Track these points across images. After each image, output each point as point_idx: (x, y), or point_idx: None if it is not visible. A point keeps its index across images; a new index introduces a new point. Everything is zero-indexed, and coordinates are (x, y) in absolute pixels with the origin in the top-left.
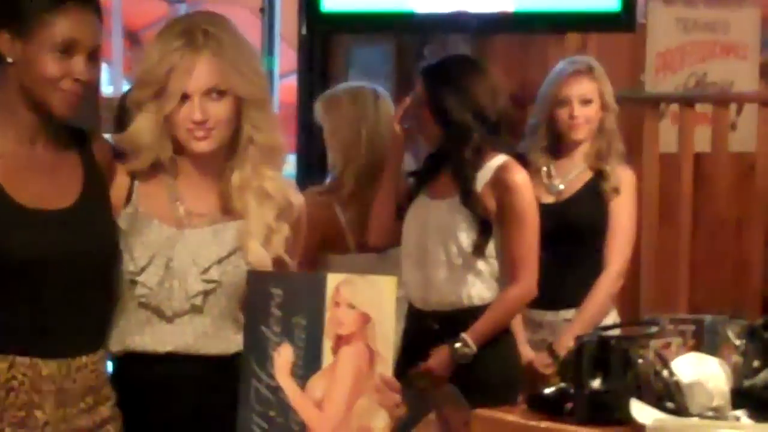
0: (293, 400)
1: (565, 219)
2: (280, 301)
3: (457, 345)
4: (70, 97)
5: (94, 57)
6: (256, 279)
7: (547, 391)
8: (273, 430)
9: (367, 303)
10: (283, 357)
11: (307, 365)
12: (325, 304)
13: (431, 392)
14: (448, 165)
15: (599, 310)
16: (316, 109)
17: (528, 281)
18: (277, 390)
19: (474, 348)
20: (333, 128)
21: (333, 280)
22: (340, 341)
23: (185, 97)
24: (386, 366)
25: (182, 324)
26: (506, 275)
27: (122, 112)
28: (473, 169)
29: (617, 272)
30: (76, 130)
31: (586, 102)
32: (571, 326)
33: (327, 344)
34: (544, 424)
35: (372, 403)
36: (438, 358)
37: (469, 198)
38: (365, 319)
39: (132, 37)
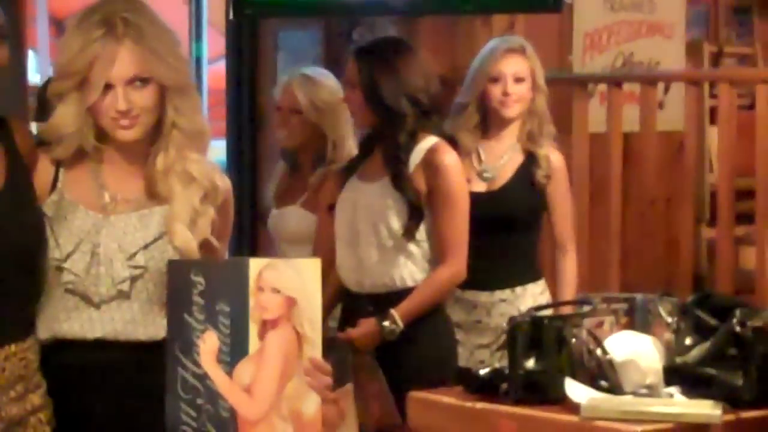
0: (221, 386)
1: (499, 208)
2: (203, 288)
3: (385, 322)
4: None
5: (1, 39)
6: (176, 268)
7: (482, 371)
8: (202, 417)
9: (291, 286)
10: (208, 344)
11: (234, 351)
12: (248, 289)
13: (351, 361)
14: (379, 148)
15: (574, 290)
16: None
17: (457, 263)
18: (203, 378)
19: (401, 325)
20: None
21: (255, 265)
22: (266, 326)
23: (108, 87)
24: (315, 348)
25: (110, 310)
26: (437, 257)
27: (43, 102)
28: (406, 152)
29: (573, 256)
30: None
31: (519, 80)
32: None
33: (253, 329)
34: (479, 405)
35: (302, 386)
36: (363, 330)
37: (400, 181)
38: (291, 303)
39: (58, 24)
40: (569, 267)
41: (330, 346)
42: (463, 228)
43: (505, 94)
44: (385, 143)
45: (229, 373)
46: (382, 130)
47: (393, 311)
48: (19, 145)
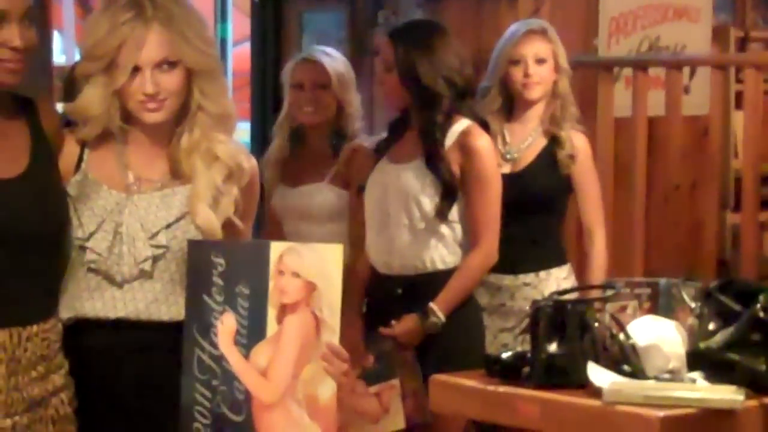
0: (237, 368)
1: (522, 190)
2: (222, 270)
3: (427, 316)
4: (9, 66)
5: (27, 21)
6: (196, 248)
7: (505, 355)
8: (217, 398)
9: (311, 271)
10: (226, 326)
11: (251, 334)
12: (269, 272)
13: (394, 357)
14: (412, 129)
15: (603, 274)
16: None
17: (489, 246)
18: (220, 359)
19: (442, 318)
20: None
21: (276, 248)
22: (284, 310)
23: (136, 69)
24: (333, 334)
25: (132, 290)
26: (469, 240)
27: (71, 82)
28: (442, 132)
29: (603, 243)
30: (23, 99)
31: (540, 61)
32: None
33: (271, 313)
34: (501, 388)
35: (319, 371)
36: (405, 327)
37: (435, 160)
38: (310, 288)
39: (84, 5)
40: (598, 251)
41: (373, 340)
42: (495, 211)
43: (527, 75)
44: (422, 123)
45: (246, 356)
46: (418, 111)
47: (432, 305)
48: (44, 125)
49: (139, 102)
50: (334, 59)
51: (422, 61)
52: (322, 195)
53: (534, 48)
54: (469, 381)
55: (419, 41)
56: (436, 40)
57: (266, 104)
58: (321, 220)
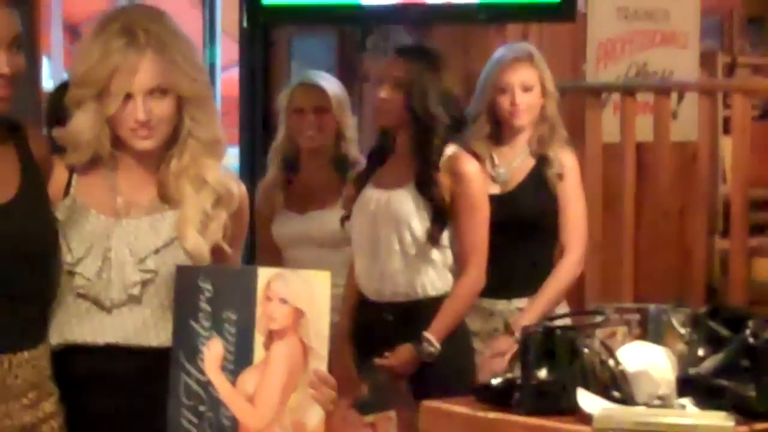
0: (223, 394)
1: (512, 210)
2: (210, 295)
3: (422, 345)
4: None
5: (16, 48)
6: (184, 273)
7: (494, 381)
8: (203, 424)
9: (299, 298)
10: (213, 352)
11: (238, 360)
12: (256, 298)
13: (389, 388)
14: (396, 154)
15: (557, 295)
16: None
17: (477, 271)
18: (207, 385)
19: (438, 346)
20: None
21: (264, 274)
22: (272, 336)
23: (128, 97)
24: (321, 361)
25: (121, 315)
26: (458, 265)
27: (54, 106)
28: (438, 156)
29: (577, 258)
30: (12, 124)
31: (527, 89)
32: (528, 308)
33: (258, 339)
34: (491, 414)
35: (306, 398)
36: (400, 357)
37: (429, 185)
38: (298, 314)
39: (72, 30)
40: (563, 270)
41: (366, 370)
42: (482, 235)
43: (513, 104)
44: (418, 146)
45: (233, 382)
46: (415, 133)
47: (427, 334)
48: (33, 151)
49: (131, 129)
50: (332, 83)
51: (432, 84)
52: (333, 220)
53: (520, 76)
54: (459, 407)
55: (431, 64)
56: (442, 65)
57: (255, 129)
58: (332, 246)
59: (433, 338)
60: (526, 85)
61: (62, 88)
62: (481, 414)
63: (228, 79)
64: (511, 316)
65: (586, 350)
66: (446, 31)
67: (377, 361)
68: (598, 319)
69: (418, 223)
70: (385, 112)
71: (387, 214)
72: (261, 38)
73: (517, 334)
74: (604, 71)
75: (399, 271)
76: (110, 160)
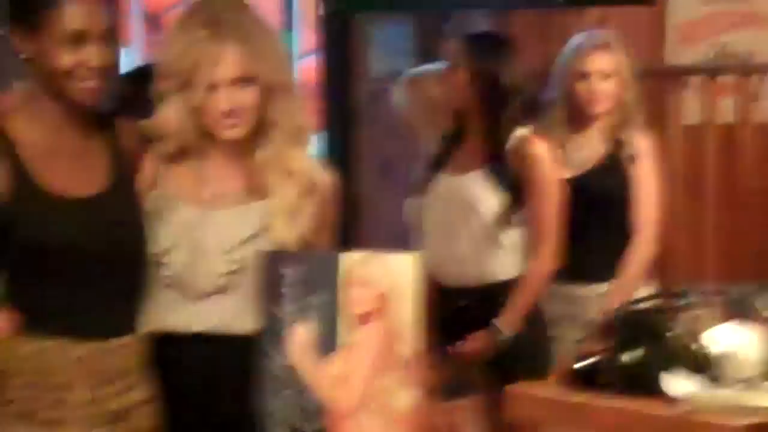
0: (310, 379)
1: (586, 192)
2: (293, 280)
3: (494, 333)
4: (88, 85)
5: (107, 40)
6: (268, 259)
7: (580, 364)
8: (291, 408)
9: (383, 281)
10: (298, 336)
11: (323, 345)
12: (339, 283)
13: (464, 375)
14: (468, 140)
15: (634, 278)
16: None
17: (547, 254)
18: (293, 369)
19: (510, 333)
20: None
21: (347, 259)
22: (357, 320)
23: (212, 87)
24: (407, 344)
25: (209, 304)
26: (530, 249)
27: (122, 96)
28: (508, 135)
29: (647, 239)
30: (103, 116)
31: (605, 77)
32: (609, 299)
33: (343, 323)
34: (577, 397)
35: (394, 381)
36: (474, 345)
37: (499, 165)
38: (382, 298)
39: (152, 20)
40: (634, 252)
41: (441, 357)
42: (552, 219)
43: (592, 91)
44: (488, 125)
45: (319, 366)
46: (485, 113)
47: (498, 321)
48: (124, 144)
49: (216, 119)
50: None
51: (499, 61)
52: None
53: (599, 63)
54: (544, 390)
55: (496, 44)
56: (510, 47)
57: (334, 117)
58: None
59: (504, 325)
60: (605, 72)
61: (130, 76)
62: (566, 397)
63: (307, 66)
64: (590, 301)
65: (671, 332)
66: (524, 17)
67: (451, 349)
68: (684, 301)
69: (488, 207)
70: (457, 96)
71: (458, 198)
72: (339, 25)
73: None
74: (684, 54)
75: (469, 256)
76: (197, 151)
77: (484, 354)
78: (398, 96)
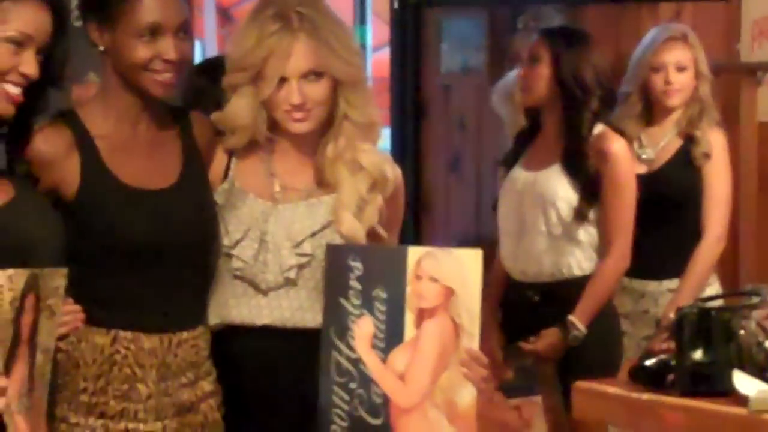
0: (374, 372)
1: (658, 188)
2: (360, 273)
3: (567, 329)
4: (163, 77)
5: (183, 33)
6: (334, 252)
7: (648, 362)
8: (354, 401)
9: (450, 276)
10: (363, 329)
11: (389, 338)
12: (406, 277)
13: (535, 372)
14: (543, 135)
15: (702, 277)
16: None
17: (621, 251)
18: (357, 362)
19: (584, 330)
20: None
21: (414, 253)
22: (422, 314)
23: (283, 80)
24: (472, 340)
25: (278, 297)
26: (604, 245)
27: (192, 89)
28: (589, 130)
29: (716, 237)
30: (177, 109)
31: (681, 69)
32: (675, 297)
33: (409, 317)
34: (645, 395)
35: (457, 376)
36: (547, 341)
37: (577, 158)
38: (449, 293)
39: (224, 14)
40: (702, 250)
41: (512, 353)
42: (628, 216)
43: (667, 83)
44: (567, 120)
45: (384, 360)
46: (564, 108)
47: (572, 317)
48: (197, 136)
49: (286, 112)
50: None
51: (580, 56)
52: None
53: (675, 55)
54: (612, 388)
55: (576, 39)
56: (590, 42)
57: (405, 111)
58: None
59: (578, 321)
60: (681, 65)
61: (201, 69)
62: (635, 395)
63: (378, 60)
64: (661, 296)
65: (742, 331)
66: (598, 11)
67: (523, 344)
68: (754, 300)
69: (564, 202)
70: (533, 91)
71: (534, 193)
72: (412, 19)
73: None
74: (759, 50)
75: (544, 251)
76: (267, 144)
77: (556, 350)
78: (495, 99)
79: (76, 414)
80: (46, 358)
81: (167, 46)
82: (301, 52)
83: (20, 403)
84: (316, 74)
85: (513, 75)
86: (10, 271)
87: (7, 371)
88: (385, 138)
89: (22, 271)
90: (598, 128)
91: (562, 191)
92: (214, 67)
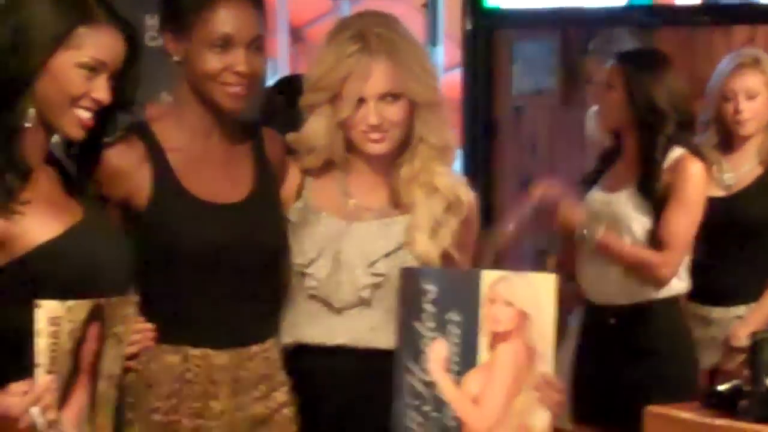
0: (448, 395)
1: (733, 213)
2: (434, 297)
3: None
4: (233, 90)
5: (255, 48)
6: (408, 275)
7: (722, 387)
8: (428, 425)
9: (524, 300)
10: (437, 352)
11: (463, 361)
12: (480, 300)
13: None
14: (623, 157)
15: None
16: None
17: (671, 263)
18: (431, 385)
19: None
20: None
21: (488, 277)
22: (496, 338)
23: (360, 101)
24: (547, 364)
25: (351, 317)
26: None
27: (268, 107)
28: (663, 155)
29: None
30: (249, 125)
31: (751, 96)
32: (747, 318)
33: (483, 341)
34: (718, 421)
35: (532, 401)
36: None
37: (649, 181)
38: (523, 317)
39: (296, 34)
40: None
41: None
42: (686, 234)
43: (737, 112)
44: (642, 144)
45: (458, 383)
46: (639, 132)
47: None
48: (269, 153)
49: (363, 132)
50: None
51: (655, 80)
52: None
53: (745, 82)
54: (685, 413)
55: (651, 63)
56: (666, 65)
57: (477, 132)
58: None
59: None
60: (751, 92)
61: (275, 88)
62: (707, 420)
63: (450, 81)
64: (729, 324)
65: None
66: (671, 34)
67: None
68: None
69: (638, 224)
70: (609, 117)
71: (608, 215)
72: (483, 41)
73: (742, 342)
74: None
75: (621, 273)
76: (343, 164)
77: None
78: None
79: None
80: (111, 383)
81: (238, 59)
82: (380, 74)
83: (79, 431)
84: (393, 96)
85: None
86: (70, 303)
87: (65, 401)
88: (457, 159)
89: (84, 302)
90: (677, 152)
91: (636, 214)
92: (289, 86)
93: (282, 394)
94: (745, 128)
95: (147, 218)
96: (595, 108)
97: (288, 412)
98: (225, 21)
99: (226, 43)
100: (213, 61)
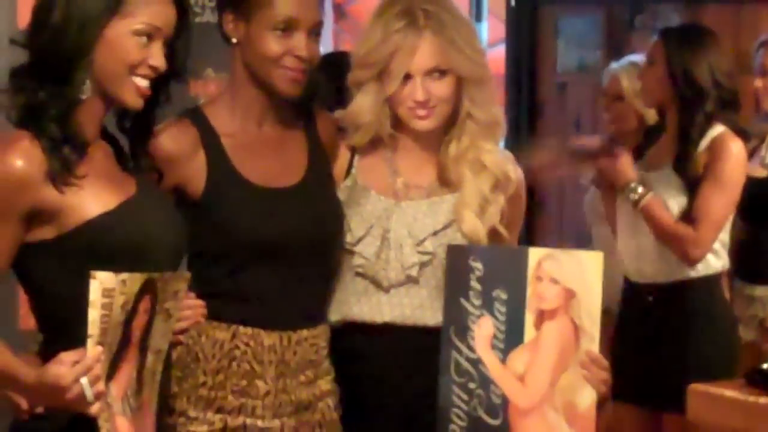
0: (494, 372)
1: None
2: (480, 274)
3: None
4: (292, 74)
5: (315, 34)
6: (455, 252)
7: (766, 365)
8: (474, 401)
9: (571, 278)
10: (483, 330)
11: (508, 339)
12: (527, 278)
13: None
14: (666, 134)
15: None
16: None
17: (703, 240)
18: (477, 362)
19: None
20: None
21: (535, 254)
22: (542, 316)
23: (407, 77)
24: (592, 342)
25: (399, 295)
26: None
27: (311, 83)
28: (699, 133)
29: None
30: (301, 106)
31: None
32: None
33: (529, 318)
34: (763, 399)
35: (577, 379)
36: None
37: (685, 160)
38: (569, 295)
39: (339, 10)
40: None
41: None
42: (719, 214)
43: (764, 87)
44: (681, 121)
45: (503, 360)
46: (679, 108)
47: None
48: (321, 134)
49: (409, 109)
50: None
51: (695, 56)
52: None
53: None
54: (729, 391)
55: (694, 38)
56: (710, 41)
57: (520, 108)
58: None
59: None
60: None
61: (319, 64)
62: (752, 398)
63: (493, 57)
64: None
65: None
66: (716, 10)
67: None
68: None
69: (677, 203)
70: (651, 93)
71: None
72: (527, 17)
73: None
74: None
75: (658, 252)
76: (390, 141)
77: None
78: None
79: (195, 408)
80: (158, 358)
81: (300, 43)
82: (427, 49)
83: (124, 404)
84: (440, 72)
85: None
86: (124, 275)
87: (113, 373)
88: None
89: (138, 276)
90: (718, 129)
91: (674, 192)
92: (333, 63)
93: (326, 383)
94: (765, 103)
95: (203, 205)
96: (613, 65)
97: (330, 401)
98: (289, 4)
99: (288, 27)
100: (274, 44)
